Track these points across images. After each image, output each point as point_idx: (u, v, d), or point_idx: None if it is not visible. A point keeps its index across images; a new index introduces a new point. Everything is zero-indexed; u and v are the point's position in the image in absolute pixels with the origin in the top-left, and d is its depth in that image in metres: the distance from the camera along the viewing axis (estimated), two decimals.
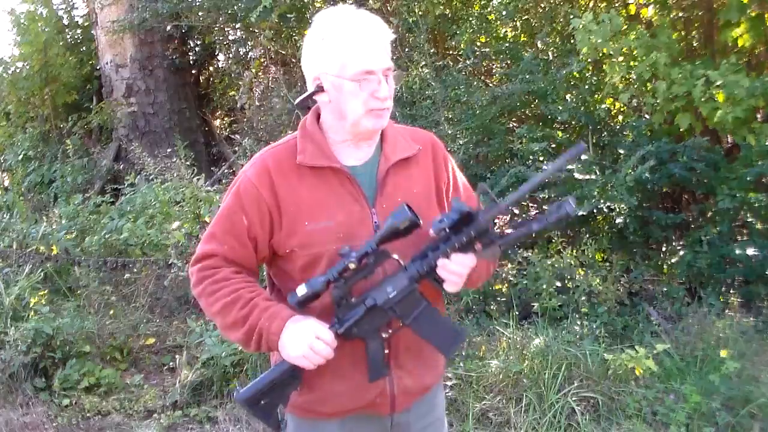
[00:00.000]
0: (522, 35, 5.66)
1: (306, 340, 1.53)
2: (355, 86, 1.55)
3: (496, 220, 1.60)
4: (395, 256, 1.57)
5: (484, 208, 1.54)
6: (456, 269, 1.54)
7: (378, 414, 1.69)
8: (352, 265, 1.52)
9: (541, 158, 4.34)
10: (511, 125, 5.07)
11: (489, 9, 5.72)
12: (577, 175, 4.17)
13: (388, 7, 5.69)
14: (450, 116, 4.87)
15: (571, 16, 4.63)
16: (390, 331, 1.61)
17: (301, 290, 1.54)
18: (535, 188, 1.56)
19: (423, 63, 5.04)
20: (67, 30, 7.80)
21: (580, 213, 4.10)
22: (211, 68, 8.00)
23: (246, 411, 1.59)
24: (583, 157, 4.40)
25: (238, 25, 6.55)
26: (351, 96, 1.57)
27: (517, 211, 4.61)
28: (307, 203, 1.60)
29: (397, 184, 1.64)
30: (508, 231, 1.57)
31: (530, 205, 4.93)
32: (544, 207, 4.87)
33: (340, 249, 1.53)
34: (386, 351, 1.60)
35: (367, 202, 1.63)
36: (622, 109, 5.15)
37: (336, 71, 1.57)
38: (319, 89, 1.61)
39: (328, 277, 1.54)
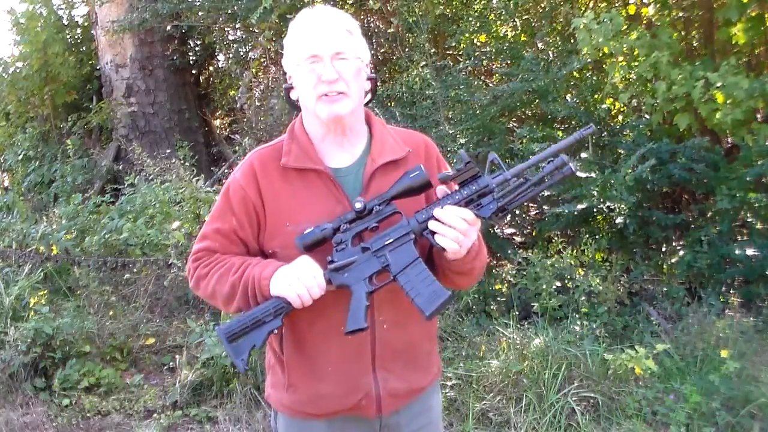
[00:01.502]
0: (522, 35, 5.66)
1: (295, 272, 1.53)
2: (303, 72, 1.58)
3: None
4: (399, 211, 1.58)
5: (491, 175, 1.57)
6: (452, 220, 1.51)
7: (365, 416, 1.68)
8: (358, 205, 1.55)
9: None
10: (511, 125, 5.07)
11: (489, 9, 5.72)
12: (577, 174, 4.17)
13: (388, 7, 5.69)
14: (450, 116, 4.87)
15: (572, 16, 4.63)
16: (378, 284, 1.58)
17: (309, 231, 1.55)
18: (542, 161, 1.58)
19: (423, 63, 5.04)
20: (67, 30, 7.78)
21: (579, 208, 4.10)
22: (211, 68, 7.99)
23: (222, 344, 1.60)
24: (583, 155, 4.40)
25: (238, 25, 6.55)
26: (303, 84, 1.60)
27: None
28: (288, 205, 1.61)
29: (382, 186, 1.63)
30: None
31: (530, 205, 4.93)
32: (544, 207, 4.87)
33: (354, 200, 1.57)
34: (368, 304, 1.56)
35: (351, 204, 1.61)
36: (622, 109, 5.15)
37: (290, 62, 1.63)
38: (291, 86, 1.66)
39: (336, 224, 1.56)
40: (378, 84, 1.79)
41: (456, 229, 1.51)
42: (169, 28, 6.89)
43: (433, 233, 1.54)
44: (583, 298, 3.99)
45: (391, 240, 1.57)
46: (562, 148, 1.57)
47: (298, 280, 1.52)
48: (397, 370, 1.68)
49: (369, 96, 1.75)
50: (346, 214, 1.56)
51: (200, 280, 1.66)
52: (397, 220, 1.59)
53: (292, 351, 1.67)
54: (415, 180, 1.55)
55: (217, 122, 8.10)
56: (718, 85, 3.90)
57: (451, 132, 4.67)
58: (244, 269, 1.59)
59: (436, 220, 1.53)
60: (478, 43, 5.65)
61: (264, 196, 1.62)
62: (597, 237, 4.35)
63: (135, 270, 4.89)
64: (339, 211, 1.60)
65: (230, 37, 7.17)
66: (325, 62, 1.56)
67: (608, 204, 4.11)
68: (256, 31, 6.08)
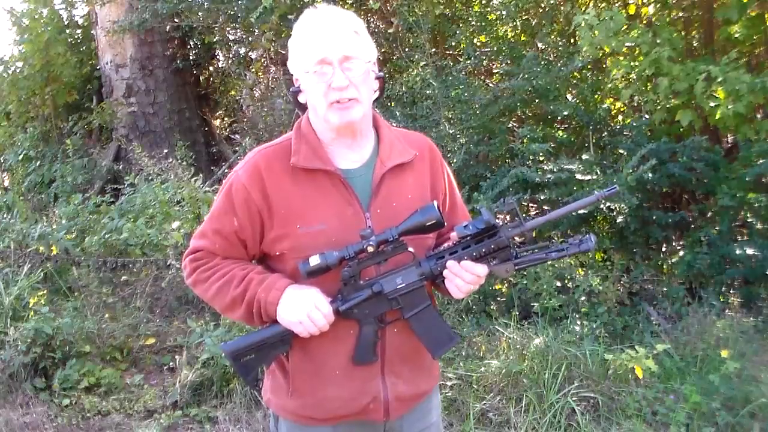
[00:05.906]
0: (522, 35, 5.66)
1: (304, 309, 1.54)
2: (312, 79, 1.55)
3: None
4: (411, 250, 1.58)
5: (508, 224, 1.57)
6: (467, 276, 1.56)
7: (371, 421, 1.67)
8: (370, 249, 1.53)
9: (541, 158, 4.34)
10: (511, 125, 5.06)
11: (489, 9, 5.72)
12: (578, 176, 4.18)
13: (388, 7, 5.70)
14: (450, 116, 4.87)
15: (573, 15, 4.63)
16: (388, 320, 1.61)
17: (314, 260, 1.53)
18: (562, 216, 1.59)
19: (423, 63, 5.04)
20: (67, 30, 7.79)
21: (581, 212, 4.11)
22: (211, 68, 7.99)
23: (229, 363, 1.62)
24: (584, 156, 4.39)
25: (238, 25, 6.55)
26: (313, 91, 1.57)
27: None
28: (299, 206, 1.58)
29: (391, 188, 1.63)
30: (525, 252, 1.60)
31: (530, 205, 4.92)
32: (545, 207, 4.87)
33: (362, 230, 1.54)
34: (377, 339, 1.60)
35: (361, 206, 1.60)
36: (622, 109, 5.15)
37: (299, 68, 1.59)
38: (299, 90, 1.63)
39: (343, 254, 1.53)
40: (386, 82, 1.77)
41: (469, 283, 1.56)
42: (169, 28, 6.90)
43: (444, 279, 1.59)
44: (583, 298, 3.98)
45: (403, 284, 1.59)
46: (584, 206, 1.58)
47: (308, 319, 1.54)
48: (405, 374, 1.68)
49: (377, 94, 1.72)
50: (354, 245, 1.53)
51: (198, 283, 1.66)
52: (408, 258, 1.60)
53: (298, 356, 1.65)
54: (428, 219, 1.54)
55: (217, 122, 8.10)
56: (720, 80, 3.89)
57: (451, 132, 4.67)
58: (247, 285, 1.58)
59: (451, 271, 1.57)
60: (478, 43, 5.65)
61: (270, 197, 1.59)
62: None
63: (135, 270, 4.89)
64: (349, 213, 1.59)
65: (230, 37, 7.17)
66: (335, 68, 1.52)
67: (608, 204, 4.11)
68: (256, 31, 6.08)
